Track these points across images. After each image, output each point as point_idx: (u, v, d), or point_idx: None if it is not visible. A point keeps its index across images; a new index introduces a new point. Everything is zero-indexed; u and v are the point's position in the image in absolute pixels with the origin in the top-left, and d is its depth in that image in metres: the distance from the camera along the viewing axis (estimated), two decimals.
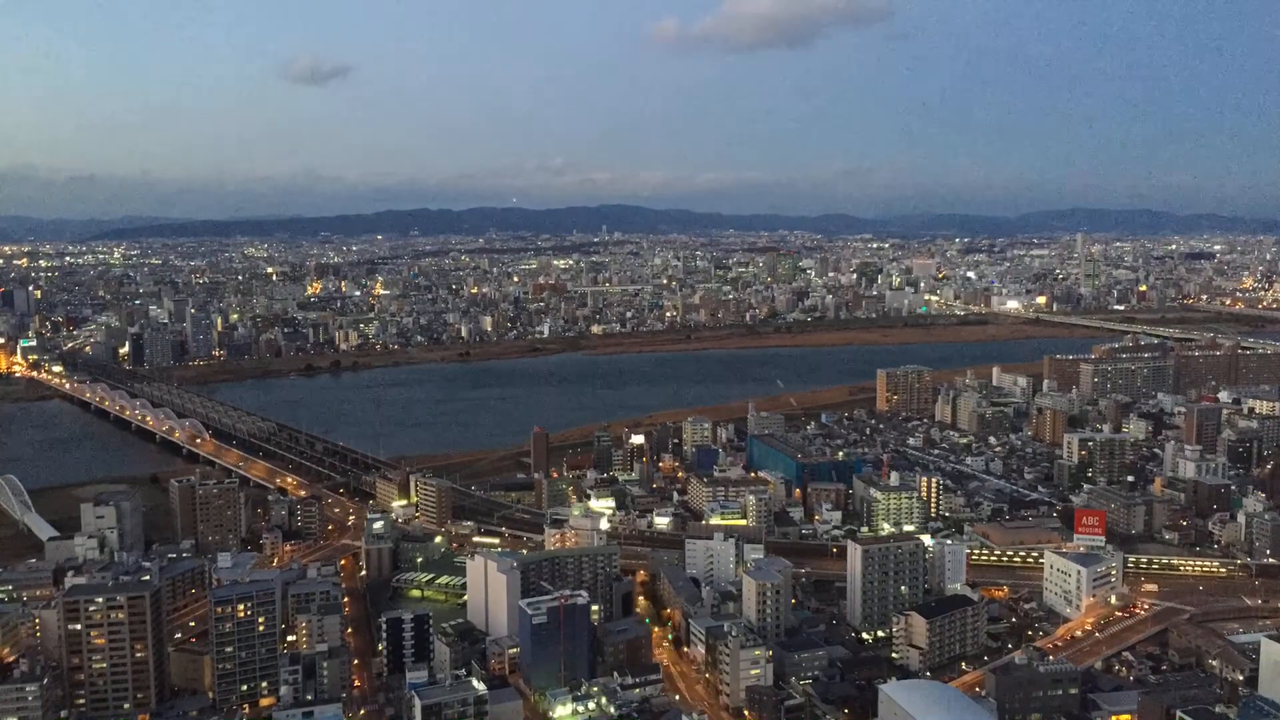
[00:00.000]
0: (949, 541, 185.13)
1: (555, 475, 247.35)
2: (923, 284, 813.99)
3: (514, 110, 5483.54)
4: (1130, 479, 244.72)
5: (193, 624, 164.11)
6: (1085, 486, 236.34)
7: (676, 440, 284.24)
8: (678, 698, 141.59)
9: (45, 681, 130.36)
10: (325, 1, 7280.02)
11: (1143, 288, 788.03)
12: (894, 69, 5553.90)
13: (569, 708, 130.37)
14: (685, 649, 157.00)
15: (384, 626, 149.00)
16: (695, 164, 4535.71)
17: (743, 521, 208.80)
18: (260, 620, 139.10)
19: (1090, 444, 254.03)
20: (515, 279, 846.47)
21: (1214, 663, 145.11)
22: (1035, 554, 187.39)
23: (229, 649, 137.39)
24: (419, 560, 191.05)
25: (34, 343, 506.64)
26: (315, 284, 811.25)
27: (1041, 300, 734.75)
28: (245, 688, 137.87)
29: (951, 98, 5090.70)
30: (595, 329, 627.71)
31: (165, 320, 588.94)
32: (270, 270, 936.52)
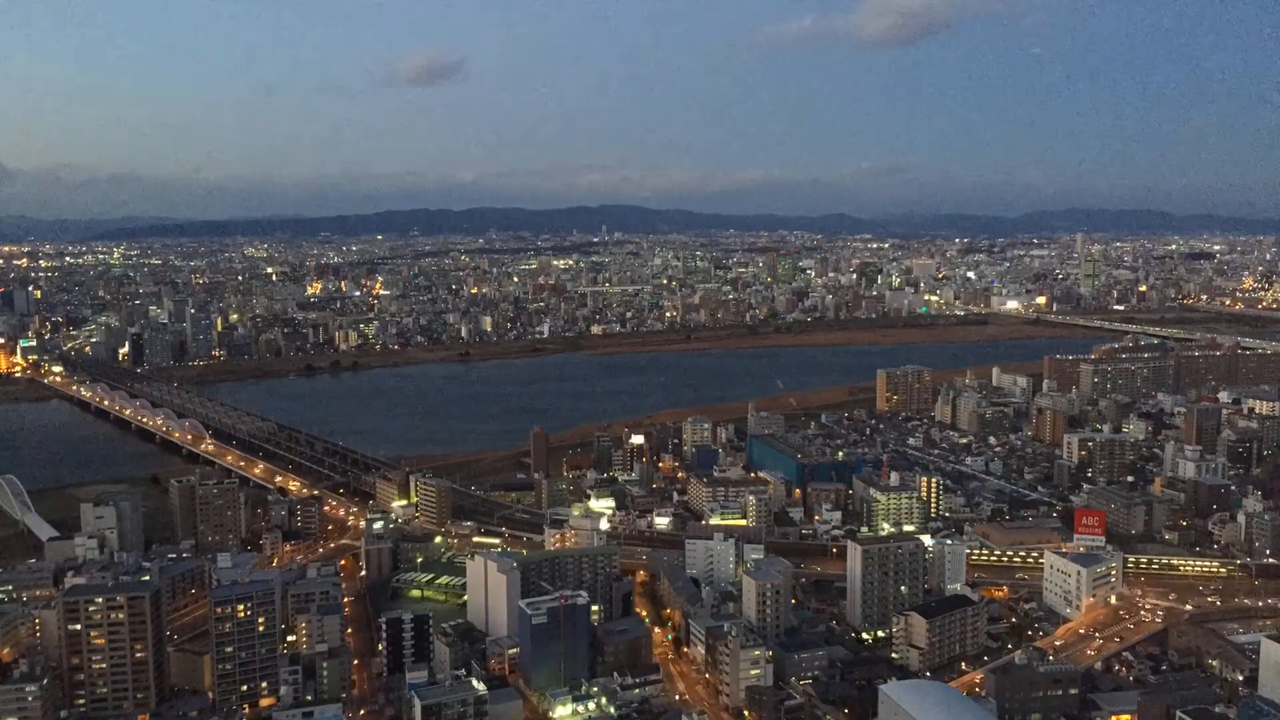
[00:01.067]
0: (949, 541, 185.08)
1: (556, 475, 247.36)
2: (923, 284, 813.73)
3: (597, 111, 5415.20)
4: (1130, 479, 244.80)
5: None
6: (1085, 486, 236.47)
7: (676, 440, 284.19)
8: (678, 698, 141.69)
9: (45, 681, 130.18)
10: (430, 3, 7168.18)
11: (1143, 288, 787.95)
12: (922, 71, 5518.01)
13: (569, 708, 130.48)
14: (685, 649, 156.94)
15: (384, 626, 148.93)
16: (731, 163, 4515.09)
17: (743, 521, 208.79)
18: (260, 620, 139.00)
19: (1090, 444, 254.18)
20: (515, 279, 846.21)
21: (1214, 663, 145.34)
22: (1035, 554, 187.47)
23: (229, 649, 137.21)
24: (419, 560, 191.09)
25: (34, 343, 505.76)
26: (315, 284, 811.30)
27: (1041, 300, 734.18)
28: (245, 688, 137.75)
29: (956, 98, 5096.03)
30: (595, 329, 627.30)
31: (165, 320, 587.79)
32: (270, 270, 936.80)
